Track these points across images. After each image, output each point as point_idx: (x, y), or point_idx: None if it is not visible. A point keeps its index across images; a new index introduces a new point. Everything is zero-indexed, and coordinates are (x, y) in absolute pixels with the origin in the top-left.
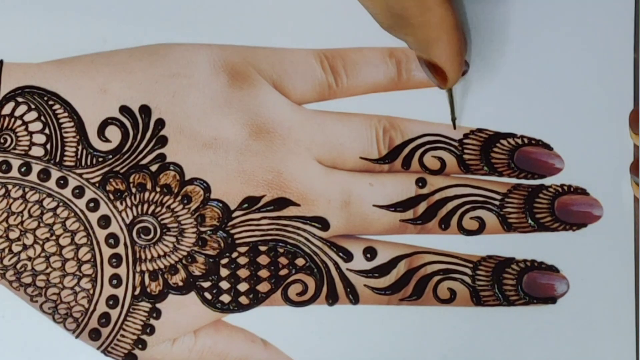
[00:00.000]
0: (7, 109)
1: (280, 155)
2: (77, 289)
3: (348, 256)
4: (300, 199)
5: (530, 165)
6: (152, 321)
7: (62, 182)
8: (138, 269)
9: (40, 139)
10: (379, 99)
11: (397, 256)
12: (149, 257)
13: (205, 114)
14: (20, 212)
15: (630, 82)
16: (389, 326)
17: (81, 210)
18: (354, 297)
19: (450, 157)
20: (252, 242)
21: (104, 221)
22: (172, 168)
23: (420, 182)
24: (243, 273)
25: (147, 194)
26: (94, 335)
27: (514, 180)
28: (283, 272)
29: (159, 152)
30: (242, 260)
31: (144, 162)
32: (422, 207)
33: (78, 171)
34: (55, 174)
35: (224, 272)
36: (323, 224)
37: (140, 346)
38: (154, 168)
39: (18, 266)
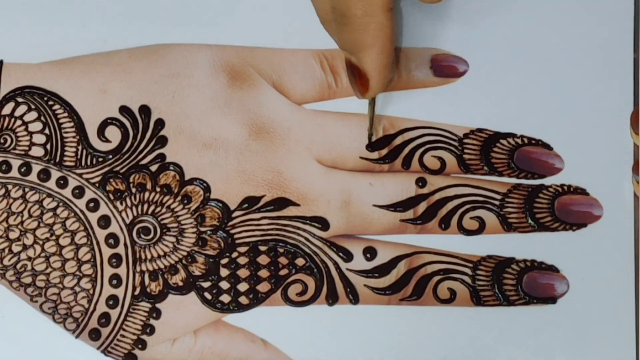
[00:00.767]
0: (7, 109)
1: (280, 155)
2: (77, 289)
3: (348, 256)
4: (300, 199)
5: (530, 165)
6: (152, 321)
7: (62, 182)
8: (138, 269)
9: (40, 139)
10: (379, 99)
11: (397, 256)
12: (149, 257)
13: (205, 114)
14: (20, 212)
15: (630, 82)
16: (389, 326)
17: (81, 211)
18: (353, 297)
19: (450, 157)
20: (252, 242)
21: (104, 221)
22: (172, 168)
23: (420, 182)
24: (243, 273)
25: (147, 194)
26: (94, 335)
27: (514, 180)
28: (283, 272)
29: (158, 152)
30: (242, 260)
31: (144, 162)
32: (422, 207)
33: (78, 171)
34: (55, 174)
35: (224, 272)
36: (323, 223)
37: (140, 346)
38: (154, 168)
39: (18, 266)
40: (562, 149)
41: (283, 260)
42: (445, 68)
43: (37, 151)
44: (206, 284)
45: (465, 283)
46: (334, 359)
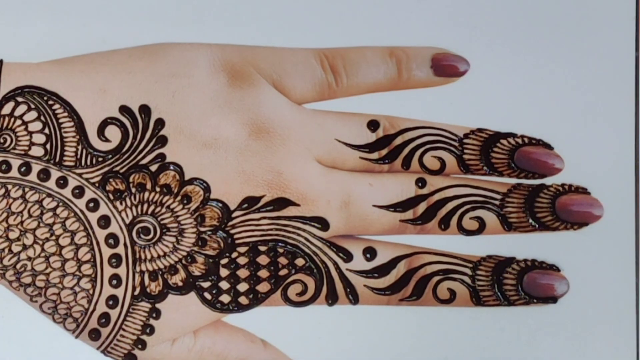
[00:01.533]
0: (7, 108)
1: (280, 155)
2: (77, 289)
3: (348, 256)
4: (300, 199)
5: (530, 165)
6: (151, 321)
7: (62, 182)
8: (138, 269)
9: (40, 138)
10: (379, 99)
11: (397, 256)
12: (148, 257)
13: (205, 114)
14: (20, 212)
15: (631, 82)
16: (389, 326)
17: (81, 210)
18: (353, 297)
19: (450, 157)
20: (251, 242)
21: (104, 221)
22: (172, 168)
23: (420, 182)
24: (243, 273)
25: (146, 194)
26: (94, 335)
27: (514, 180)
28: (283, 272)
29: (158, 152)
30: (242, 260)
31: (144, 162)
32: (421, 207)
33: (78, 171)
34: (55, 173)
35: (223, 272)
36: (323, 224)
37: (140, 346)
38: (153, 168)
39: (18, 266)
40: (562, 149)
41: (283, 260)
42: (446, 67)
43: (37, 151)
44: (206, 284)
45: (465, 283)
46: (334, 359)
